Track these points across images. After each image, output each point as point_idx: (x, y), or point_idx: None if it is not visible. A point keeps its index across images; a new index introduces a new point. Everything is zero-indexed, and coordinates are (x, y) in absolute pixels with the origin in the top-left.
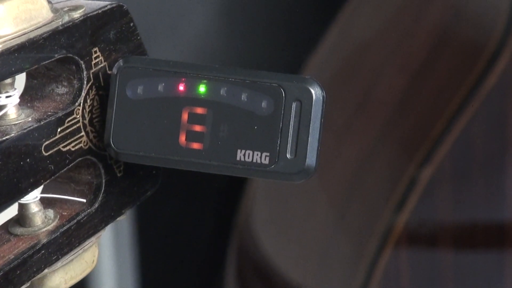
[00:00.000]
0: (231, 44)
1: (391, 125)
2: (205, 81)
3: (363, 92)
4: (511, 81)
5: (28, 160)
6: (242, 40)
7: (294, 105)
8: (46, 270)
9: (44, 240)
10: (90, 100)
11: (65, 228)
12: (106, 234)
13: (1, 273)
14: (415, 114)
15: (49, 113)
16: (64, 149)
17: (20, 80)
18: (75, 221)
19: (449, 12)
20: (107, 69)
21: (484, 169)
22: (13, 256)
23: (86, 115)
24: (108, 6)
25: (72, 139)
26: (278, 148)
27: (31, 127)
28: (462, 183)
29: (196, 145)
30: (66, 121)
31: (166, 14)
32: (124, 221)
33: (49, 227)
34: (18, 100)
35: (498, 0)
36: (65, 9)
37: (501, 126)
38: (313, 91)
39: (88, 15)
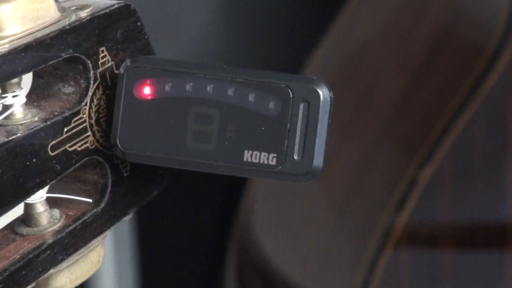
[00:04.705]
0: (231, 43)
1: (391, 125)
2: (212, 81)
3: (363, 92)
4: (511, 81)
5: (34, 160)
6: (242, 39)
7: (301, 106)
8: (51, 270)
9: (50, 240)
10: (97, 100)
11: (71, 228)
12: None
13: (7, 273)
14: (415, 114)
15: (56, 113)
16: (71, 149)
17: (27, 79)
18: (81, 221)
19: (449, 12)
20: (114, 68)
21: (484, 169)
22: (18, 256)
23: (92, 115)
24: (116, 5)
25: (79, 139)
26: (285, 149)
27: (38, 127)
28: (462, 183)
29: (203, 146)
30: (73, 120)
31: (167, 13)
32: (124, 221)
33: (55, 227)
34: (24, 100)
35: (498, 0)
36: (72, 8)
37: (501, 126)
38: (320, 92)
39: (95, 14)
